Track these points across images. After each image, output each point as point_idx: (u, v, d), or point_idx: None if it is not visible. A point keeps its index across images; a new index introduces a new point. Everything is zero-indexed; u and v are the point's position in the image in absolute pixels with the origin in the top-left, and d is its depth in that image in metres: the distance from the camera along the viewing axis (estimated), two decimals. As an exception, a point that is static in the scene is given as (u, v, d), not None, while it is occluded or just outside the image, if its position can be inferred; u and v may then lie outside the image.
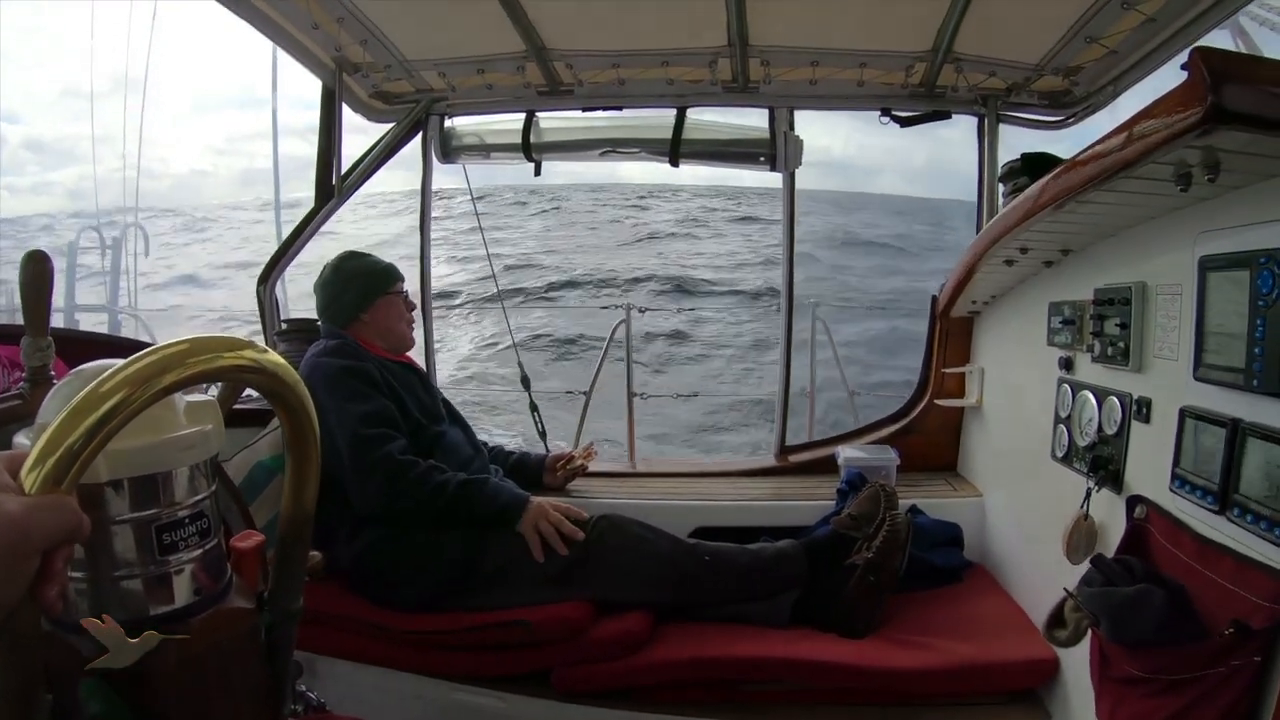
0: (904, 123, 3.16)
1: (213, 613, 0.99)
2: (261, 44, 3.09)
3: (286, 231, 3.40)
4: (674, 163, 3.22)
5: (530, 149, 3.31)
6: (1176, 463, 1.50)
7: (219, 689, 1.00)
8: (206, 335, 0.80)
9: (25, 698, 0.80)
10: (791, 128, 3.13)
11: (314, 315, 2.94)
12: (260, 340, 0.88)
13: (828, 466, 3.10)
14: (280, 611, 1.07)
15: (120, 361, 0.73)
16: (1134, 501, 1.65)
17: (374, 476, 2.34)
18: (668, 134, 3.18)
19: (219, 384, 1.44)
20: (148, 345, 0.75)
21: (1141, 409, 1.68)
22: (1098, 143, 1.49)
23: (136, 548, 0.92)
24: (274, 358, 0.86)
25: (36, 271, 1.11)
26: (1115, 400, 1.77)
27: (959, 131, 3.19)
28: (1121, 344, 1.74)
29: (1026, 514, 2.41)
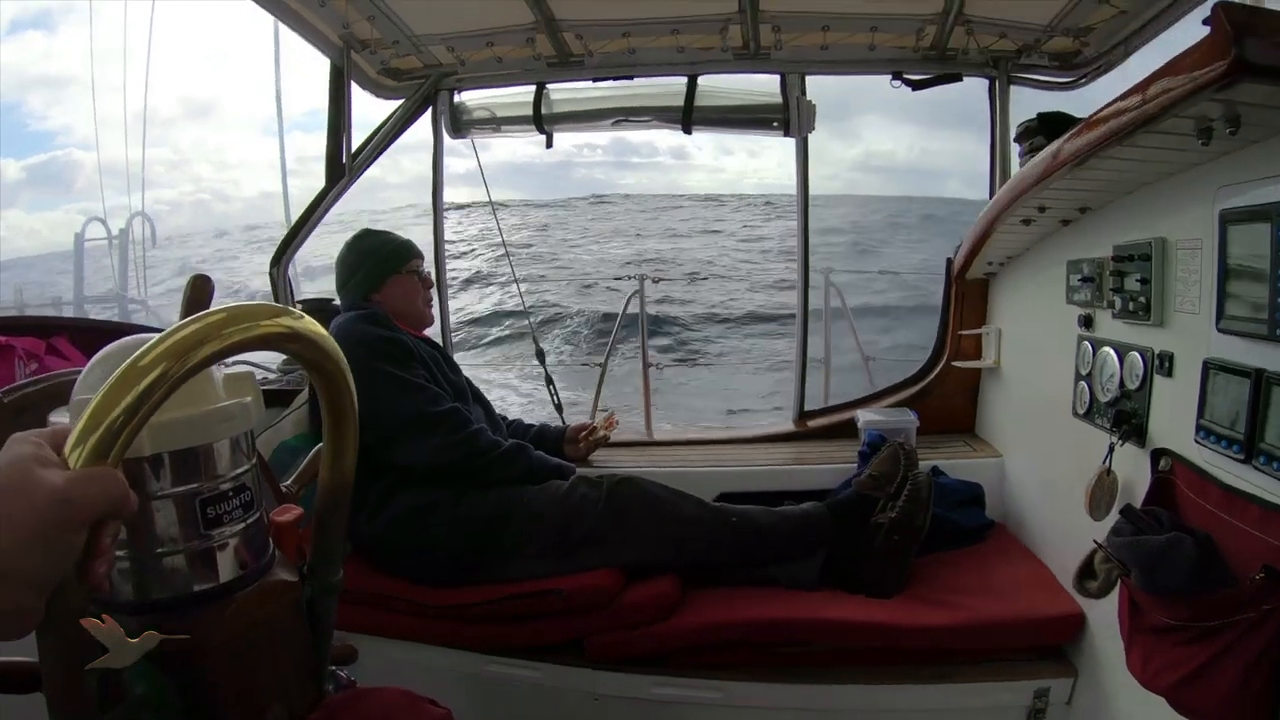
0: (915, 86, 3.14)
1: (258, 587, 0.98)
2: (318, 63, 3.07)
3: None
4: (687, 130, 3.20)
5: (541, 120, 3.30)
6: (1201, 414, 1.51)
7: (264, 664, 0.99)
8: (244, 304, 0.79)
9: (73, 679, 0.80)
10: (804, 93, 3.12)
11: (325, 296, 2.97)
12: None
13: (846, 430, 3.12)
14: (321, 584, 1.07)
15: (152, 335, 0.72)
16: (1158, 454, 1.66)
17: (439, 429, 2.41)
18: (679, 101, 3.16)
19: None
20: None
21: (1164, 363, 1.69)
22: (1119, 98, 1.49)
23: (180, 523, 0.91)
24: (312, 324, 0.86)
25: (203, 294, 1.11)
26: (1137, 355, 1.78)
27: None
28: (1143, 299, 1.74)
29: (1047, 472, 2.42)
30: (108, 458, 0.67)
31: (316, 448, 1.47)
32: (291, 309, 0.84)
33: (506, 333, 16.94)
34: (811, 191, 3.23)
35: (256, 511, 1.01)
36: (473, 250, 24.57)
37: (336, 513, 1.05)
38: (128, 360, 0.69)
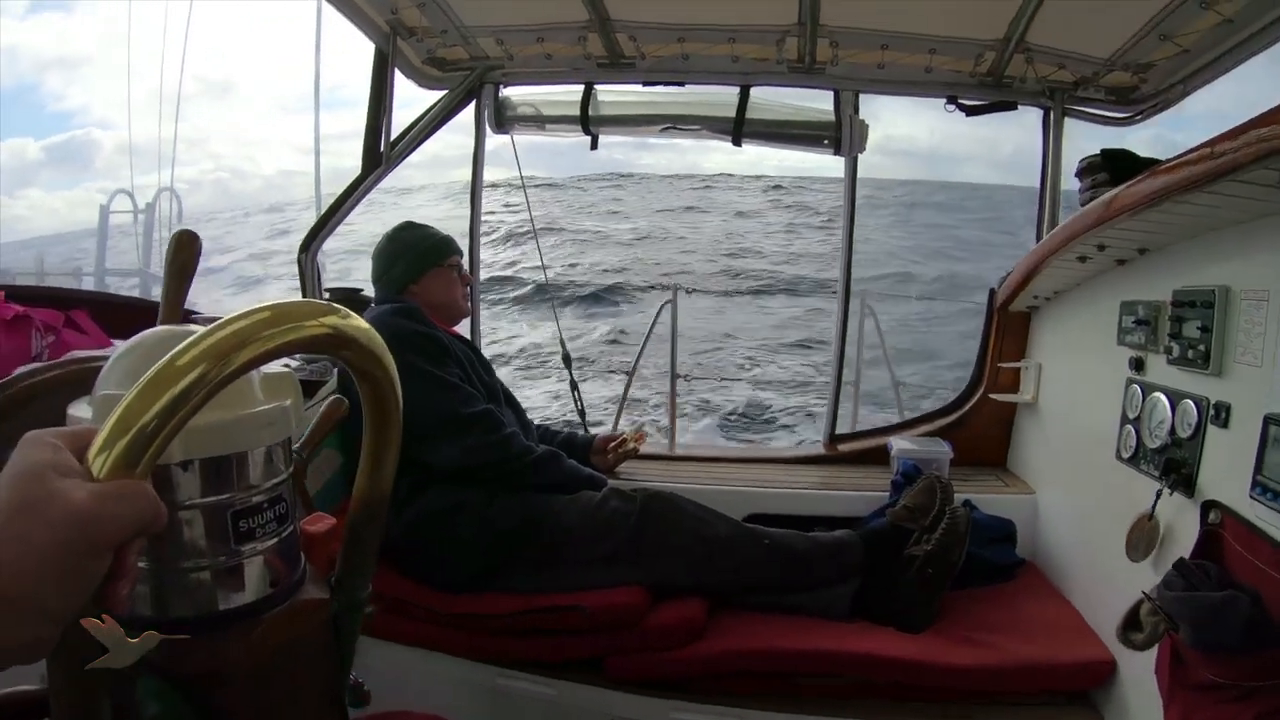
0: (970, 111, 3.11)
1: (288, 607, 0.92)
2: (359, 45, 3.03)
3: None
4: (737, 142, 3.17)
5: (588, 122, 3.27)
6: (1258, 469, 1.47)
7: (288, 686, 0.94)
8: (287, 301, 0.72)
9: (85, 700, 0.76)
10: (856, 111, 3.09)
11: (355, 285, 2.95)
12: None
13: (877, 457, 3.08)
14: (348, 599, 1.01)
15: (184, 329, 0.66)
16: (1208, 506, 1.62)
17: (473, 430, 2.39)
18: (730, 112, 3.14)
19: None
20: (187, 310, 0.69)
21: (1220, 414, 1.64)
22: (1205, 144, 1.45)
23: (208, 536, 0.84)
24: (360, 324, 0.78)
25: (189, 254, 1.06)
26: (1190, 404, 1.73)
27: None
28: (1201, 347, 1.70)
29: (1084, 513, 2.37)
30: (137, 467, 0.60)
31: (332, 397, 1.42)
32: (339, 307, 0.77)
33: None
34: (823, 174, 3.21)
35: (291, 524, 0.95)
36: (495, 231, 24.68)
37: (372, 524, 0.99)
38: (164, 359, 0.63)
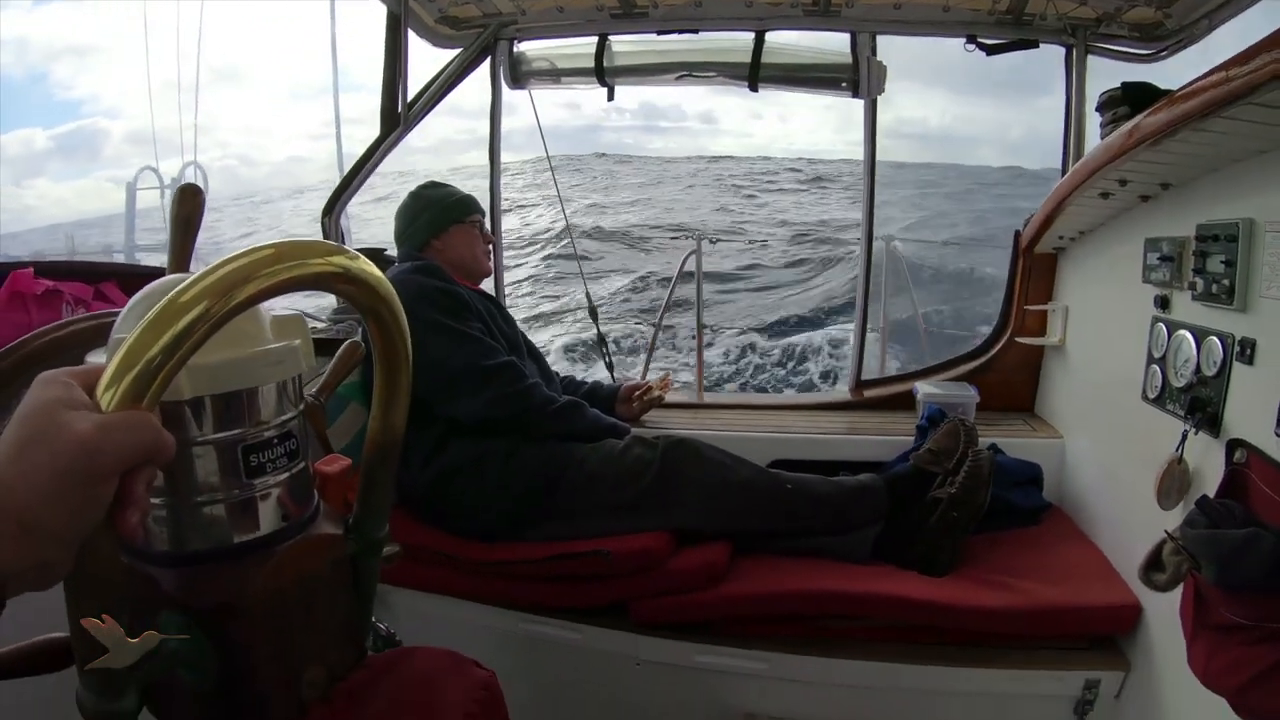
0: (990, 50, 3.03)
1: (301, 539, 0.95)
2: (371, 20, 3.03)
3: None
4: (753, 87, 3.13)
5: (603, 73, 3.24)
6: (1285, 406, 1.44)
7: (304, 622, 0.96)
8: (295, 239, 0.73)
9: None
10: (874, 53, 3.03)
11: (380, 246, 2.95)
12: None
13: (904, 402, 3.06)
14: (366, 540, 1.04)
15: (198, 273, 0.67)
16: (1234, 445, 1.59)
17: (494, 381, 2.39)
18: (745, 58, 3.09)
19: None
20: None
21: (1245, 350, 1.61)
22: (1218, 68, 1.41)
23: (220, 471, 0.88)
24: (368, 266, 0.80)
25: (193, 206, 1.07)
26: (1216, 340, 1.70)
27: (1057, 100, 3.07)
28: (1226, 282, 1.66)
29: (1111, 456, 2.34)
30: (143, 400, 0.63)
31: (348, 341, 1.44)
32: (346, 248, 0.79)
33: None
34: (836, 155, 3.17)
35: (302, 461, 0.98)
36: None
37: (384, 466, 1.01)
38: (167, 296, 0.65)
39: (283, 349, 0.91)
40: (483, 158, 3.48)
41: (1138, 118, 1.78)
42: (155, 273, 3.26)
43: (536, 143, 3.71)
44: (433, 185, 2.81)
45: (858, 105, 3.10)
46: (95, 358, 0.88)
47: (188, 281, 0.66)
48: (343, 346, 1.42)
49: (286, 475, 0.94)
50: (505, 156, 3.49)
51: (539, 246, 20.47)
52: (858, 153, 3.19)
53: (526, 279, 17.98)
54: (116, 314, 0.92)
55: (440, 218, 2.71)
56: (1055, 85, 3.04)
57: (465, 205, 2.77)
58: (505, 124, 3.50)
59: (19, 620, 0.69)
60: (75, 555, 0.63)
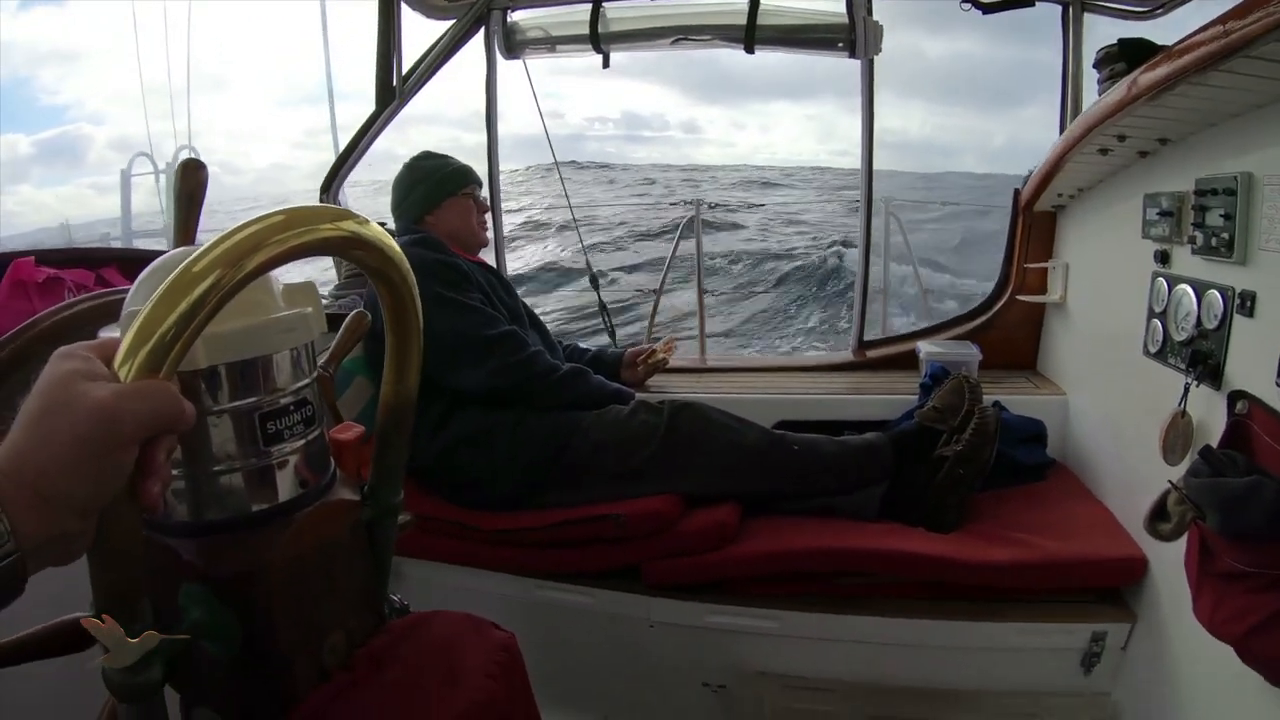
0: (986, 9, 3.01)
1: (319, 506, 0.96)
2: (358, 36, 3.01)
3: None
4: (749, 49, 3.11)
5: (598, 39, 3.23)
6: (1285, 357, 1.45)
7: (324, 589, 0.97)
8: (304, 205, 0.75)
9: (127, 604, 0.76)
10: (870, 12, 3.01)
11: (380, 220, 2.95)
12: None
13: (906, 362, 3.08)
14: (382, 505, 1.05)
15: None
16: (1235, 397, 1.61)
17: (496, 351, 2.39)
18: (741, 19, 3.07)
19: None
20: None
21: (1245, 302, 1.62)
22: (1214, 21, 1.41)
23: (237, 439, 0.89)
24: (377, 229, 0.82)
25: (196, 180, 1.07)
26: (1216, 294, 1.71)
27: (1040, 109, 3.06)
28: (1225, 235, 1.66)
29: (1113, 411, 2.35)
30: (160, 371, 0.64)
31: (354, 312, 1.45)
32: (355, 213, 0.80)
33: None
34: (822, 164, 3.16)
35: (318, 427, 0.99)
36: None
37: (399, 431, 1.03)
38: (180, 267, 0.65)
39: (295, 316, 0.92)
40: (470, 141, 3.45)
41: (1135, 72, 1.78)
42: (157, 256, 3.28)
43: (522, 152, 3.73)
44: (427, 156, 2.79)
45: (839, 115, 3.13)
46: (108, 334, 0.87)
47: (199, 251, 0.67)
48: (349, 316, 1.43)
49: (303, 442, 0.95)
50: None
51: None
52: (840, 161, 3.24)
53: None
54: (122, 292, 0.93)
55: (434, 191, 2.70)
56: (1037, 97, 3.02)
57: (460, 177, 2.75)
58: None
59: (37, 600, 0.69)
60: (95, 527, 0.64)
